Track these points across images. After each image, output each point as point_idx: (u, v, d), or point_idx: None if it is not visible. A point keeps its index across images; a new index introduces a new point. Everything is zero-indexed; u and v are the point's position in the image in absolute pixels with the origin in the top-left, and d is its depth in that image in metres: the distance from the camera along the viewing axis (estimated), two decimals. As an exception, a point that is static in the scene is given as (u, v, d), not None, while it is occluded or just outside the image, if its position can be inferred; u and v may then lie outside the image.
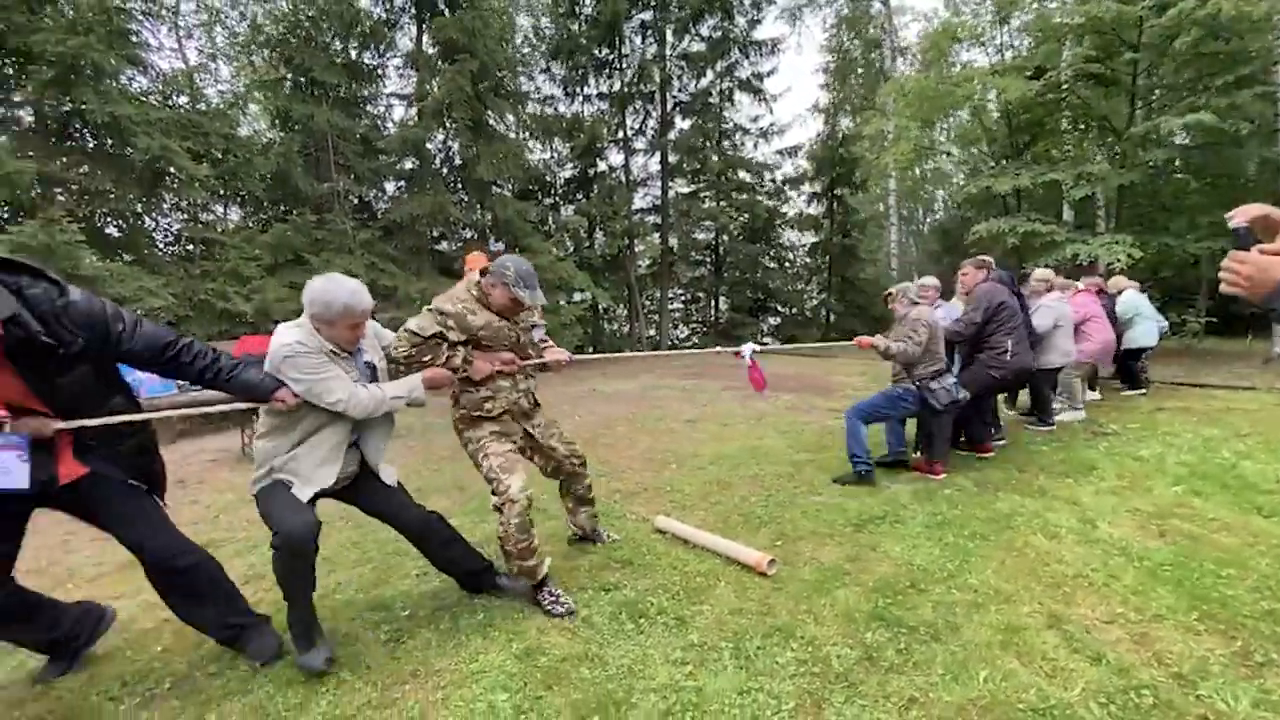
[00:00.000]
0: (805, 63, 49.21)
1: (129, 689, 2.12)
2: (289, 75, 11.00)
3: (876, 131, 14.65)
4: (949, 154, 16.59)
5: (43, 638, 2.19)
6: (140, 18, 9.19)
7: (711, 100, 17.58)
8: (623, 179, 17.54)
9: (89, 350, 1.87)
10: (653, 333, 18.39)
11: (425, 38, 12.80)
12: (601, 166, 17.65)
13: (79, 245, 6.49)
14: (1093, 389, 6.48)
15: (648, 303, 19.50)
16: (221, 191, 10.69)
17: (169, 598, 2.21)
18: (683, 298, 21.25)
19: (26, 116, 8.47)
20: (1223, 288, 1.11)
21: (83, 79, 7.60)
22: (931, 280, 5.12)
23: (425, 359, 2.44)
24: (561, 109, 17.27)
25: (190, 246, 10.05)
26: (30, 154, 7.61)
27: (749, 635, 2.26)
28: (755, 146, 18.69)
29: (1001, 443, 4.77)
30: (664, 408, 7.29)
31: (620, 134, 17.33)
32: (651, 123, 17.70)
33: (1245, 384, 7.21)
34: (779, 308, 20.66)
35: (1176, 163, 11.05)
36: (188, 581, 2.17)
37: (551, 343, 2.86)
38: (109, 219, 9.16)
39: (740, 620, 2.37)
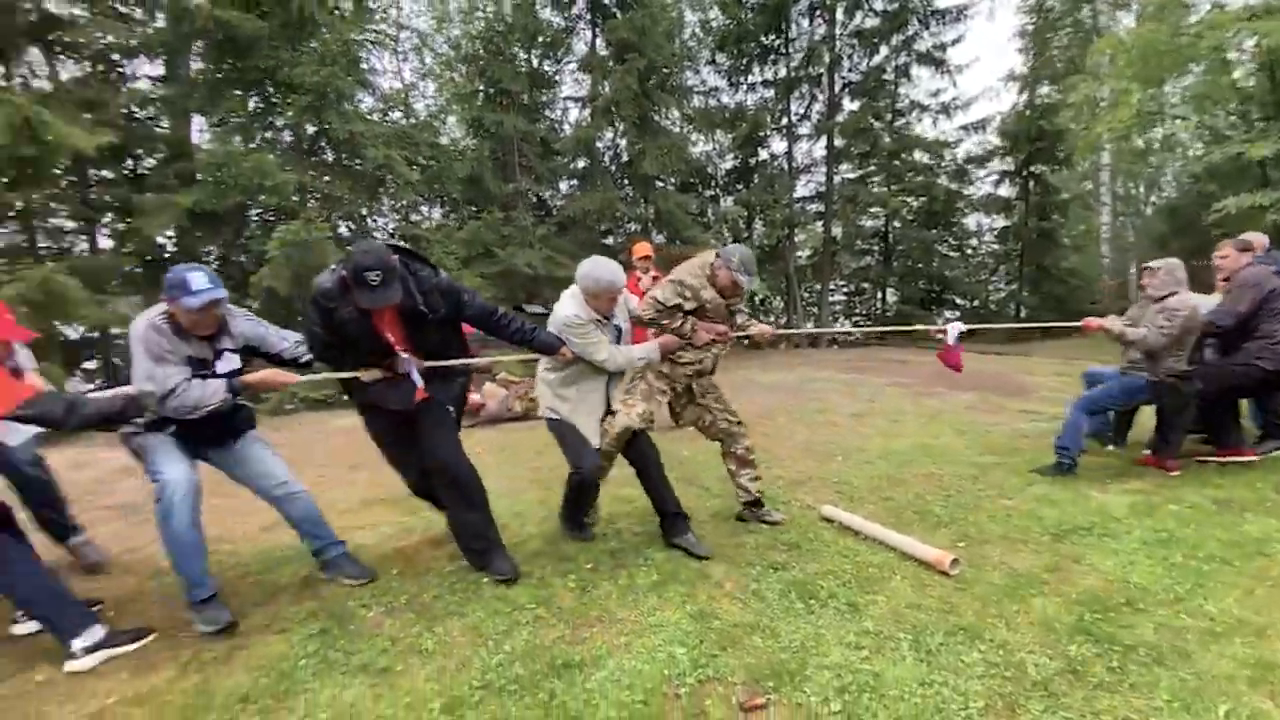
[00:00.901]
0: (997, 29, 44.07)
1: (375, 600, 2.58)
2: (482, 87, 12.24)
3: (1085, 98, 12.67)
4: (1182, 119, 13.93)
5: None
6: (370, 47, 10.79)
7: (885, 77, 16.46)
8: (784, 166, 17.10)
9: (448, 314, 2.64)
10: (811, 326, 17.77)
11: (599, 40, 13.49)
12: (763, 155, 17.35)
13: (326, 241, 7.86)
14: None
15: (806, 295, 18.86)
16: (427, 194, 12.21)
17: (447, 498, 2.80)
18: (845, 289, 20.19)
19: (286, 137, 10.34)
20: None
21: (329, 103, 9.11)
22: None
23: (664, 323, 2.99)
24: (725, 100, 17.25)
25: (403, 242, 11.63)
26: (289, 168, 9.26)
27: (929, 630, 2.17)
28: (934, 124, 17.18)
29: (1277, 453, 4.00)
30: (824, 400, 7.08)
31: (784, 120, 16.90)
32: (818, 107, 17.02)
33: None
34: (958, 300, 18.82)
35: None
36: (465, 490, 2.74)
37: (753, 320, 3.30)
38: (342, 219, 10.90)
39: (919, 615, 2.29)
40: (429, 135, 11.66)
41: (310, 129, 9.72)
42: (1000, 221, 18.66)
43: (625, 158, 13.64)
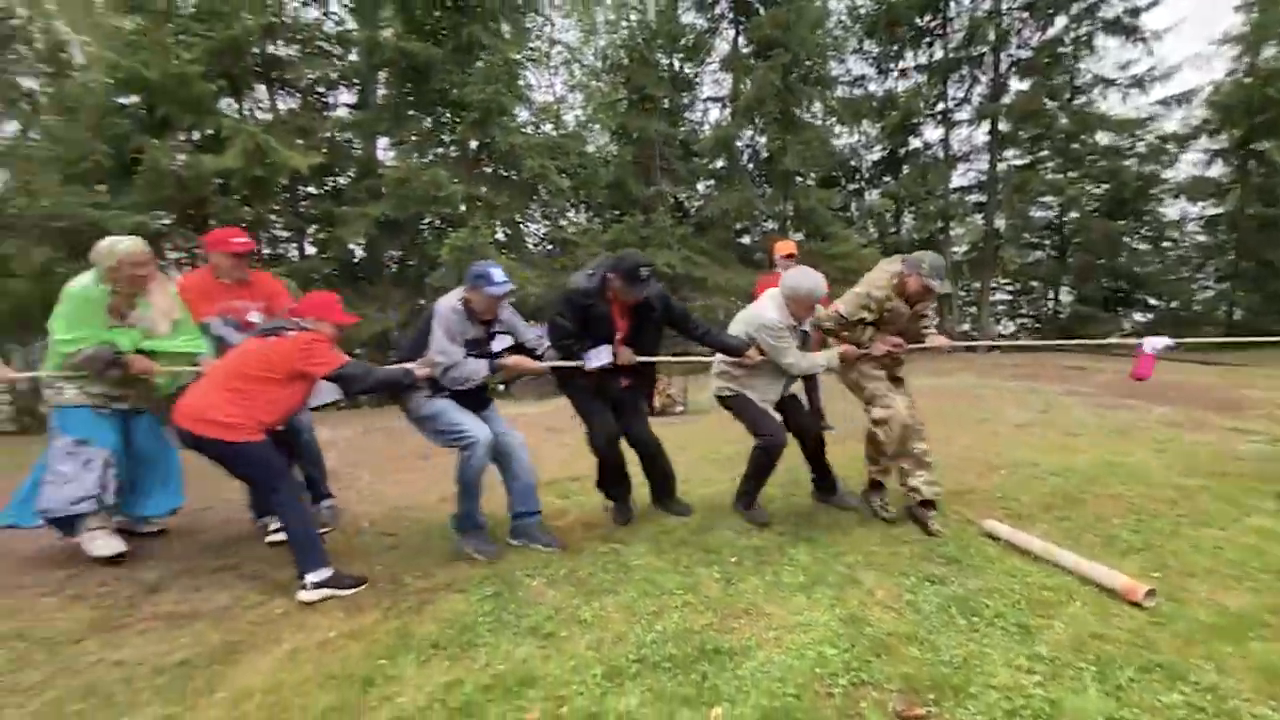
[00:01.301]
0: (1211, -20, 37.31)
1: (538, 572, 2.82)
2: (625, 94, 12.69)
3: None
4: None
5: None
6: (527, 65, 11.62)
7: (1063, 50, 14.66)
8: (939, 155, 15.87)
9: (661, 315, 3.24)
10: (967, 328, 16.33)
11: (740, 39, 13.41)
12: (914, 144, 16.21)
13: (488, 246, 8.62)
14: None
15: (964, 293, 17.34)
16: (574, 200, 12.91)
17: (643, 463, 3.43)
18: (1009, 287, 18.25)
19: (454, 152, 11.44)
20: None
21: (492, 119, 9.95)
22: None
23: (843, 334, 3.30)
24: (872, 88, 16.35)
25: (551, 246, 12.41)
26: (457, 180, 10.23)
27: (1118, 664, 1.97)
28: (1124, 99, 14.99)
29: None
30: (987, 408, 6.51)
31: (939, 106, 15.68)
32: (979, 89, 15.57)
33: None
34: (1150, 300, 16.30)
35: None
36: (661, 461, 3.43)
37: (933, 329, 3.42)
38: (501, 226, 11.86)
39: (1105, 646, 2.08)
40: (577, 144, 12.30)
41: (475, 143, 10.67)
42: (1209, 209, 15.88)
43: (765, 155, 13.44)
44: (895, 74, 16.20)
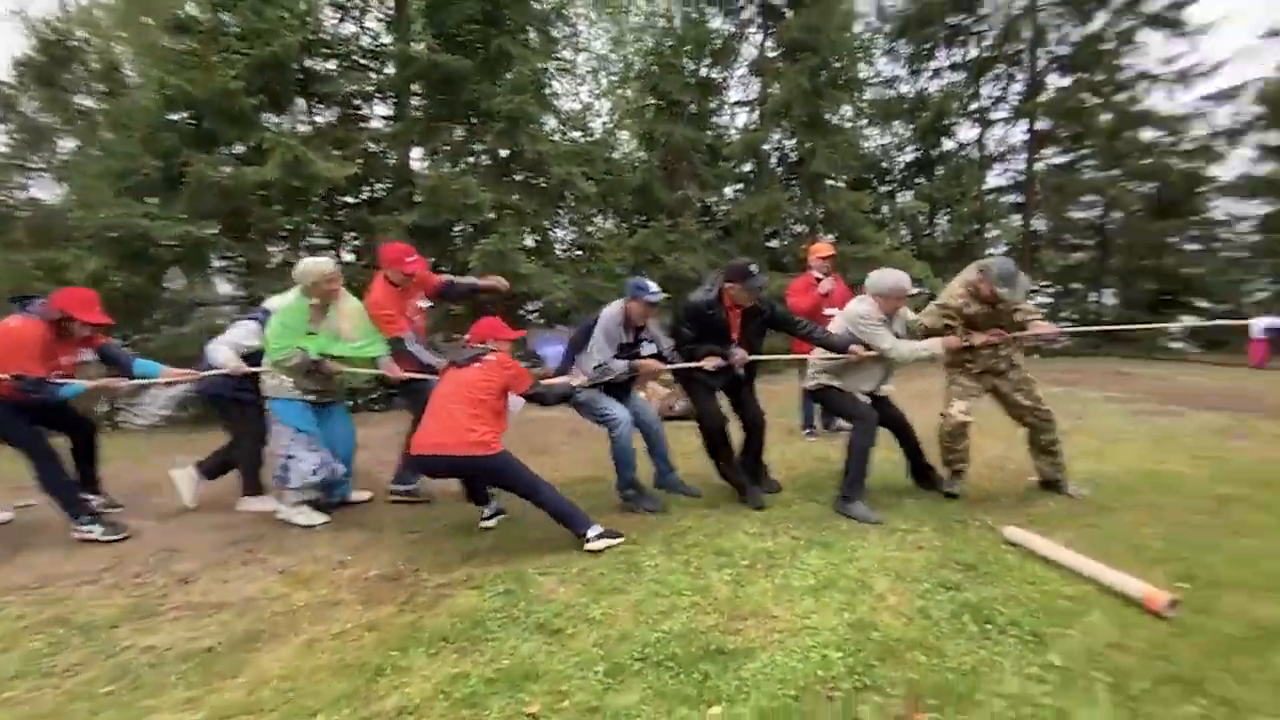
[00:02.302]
0: (1268, -32, 35.67)
1: (552, 570, 2.86)
2: (652, 100, 12.73)
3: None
4: None
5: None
6: (555, 73, 11.77)
7: (1105, 47, 14.20)
8: (974, 155, 15.51)
9: (766, 316, 3.72)
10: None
11: (768, 42, 13.36)
12: (948, 145, 15.87)
13: (518, 252, 8.76)
14: None
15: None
16: (601, 206, 13.00)
17: (750, 438, 3.86)
18: (1049, 290, 17.70)
19: (484, 160, 11.64)
20: None
21: (520, 127, 10.10)
22: None
23: (937, 333, 3.58)
24: (904, 89, 16.09)
25: (579, 251, 12.51)
26: (486, 188, 10.40)
27: (1133, 675, 1.92)
28: (1169, 95, 14.42)
29: None
30: (1018, 414, 6.33)
31: (973, 106, 15.35)
32: (1016, 87, 15.20)
33: None
34: (1198, 303, 15.58)
35: None
36: (760, 436, 3.87)
37: (1039, 318, 3.55)
38: (529, 232, 12.02)
39: (1121, 657, 2.02)
40: (604, 151, 12.40)
41: (503, 152, 10.85)
42: (1262, 207, 15.12)
43: (794, 158, 13.33)
44: (928, 74, 15.93)
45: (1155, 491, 3.73)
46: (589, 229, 13.10)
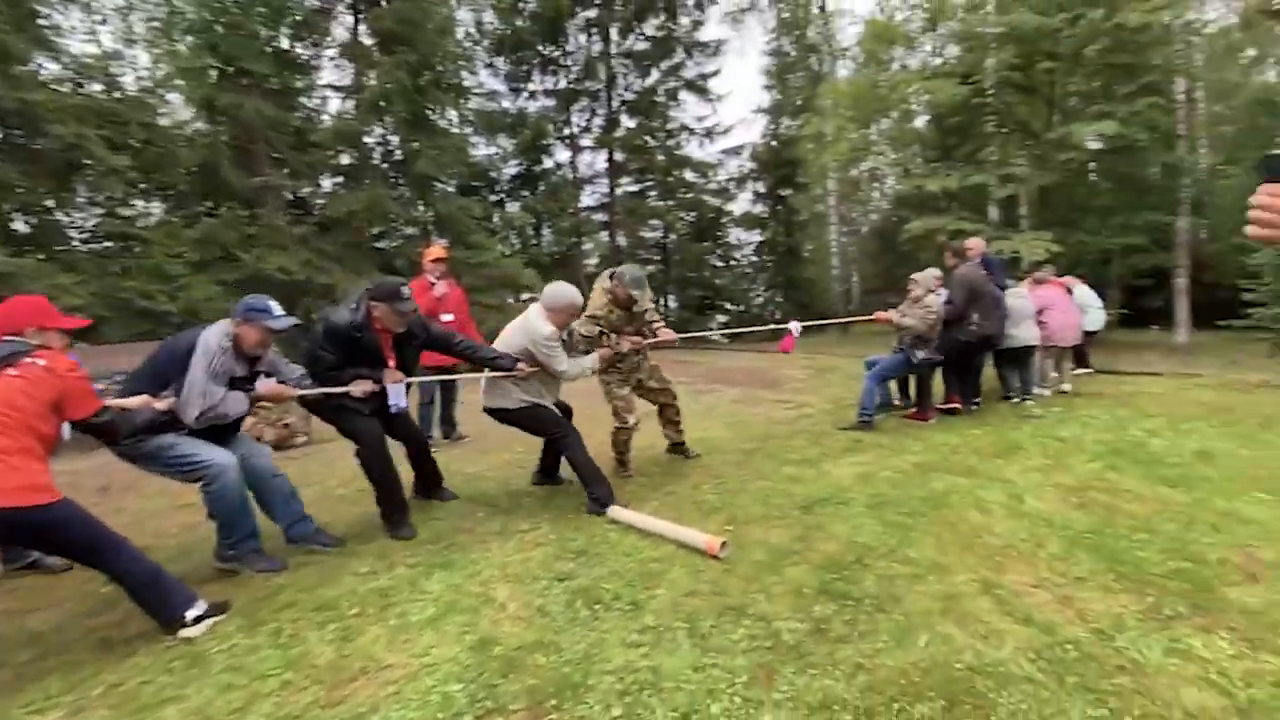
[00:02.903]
0: (749, 65, 49.97)
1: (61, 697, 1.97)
2: (213, 63, 10.38)
3: (815, 132, 15.02)
4: (883, 154, 17.19)
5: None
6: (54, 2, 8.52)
7: (658, 99, 17.70)
8: (569, 176, 17.43)
9: (418, 341, 3.49)
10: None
11: (362, 28, 12.38)
12: (547, 163, 17.52)
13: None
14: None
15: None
16: (142, 185, 10.01)
17: (420, 457, 3.80)
18: (632, 296, 21.29)
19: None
20: (1251, 230, 0.93)
21: (-16, 62, 7.00)
22: (936, 272, 5.49)
23: (596, 346, 3.83)
24: (506, 104, 17.04)
25: (108, 243, 9.38)
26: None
27: (703, 615, 2.30)
28: (701, 146, 18.97)
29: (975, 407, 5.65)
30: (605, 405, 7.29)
31: (566, 131, 17.24)
32: (598, 120, 17.69)
33: (1152, 371, 7.87)
34: (727, 305, 21.00)
35: (1090, 165, 11.83)
36: (429, 452, 3.87)
37: (663, 324, 4.21)
38: (17, 213, 8.45)
39: (694, 601, 2.41)
40: (142, 114, 9.58)
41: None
42: (757, 236, 21.25)
43: (399, 155, 12.69)
44: (526, 94, 17.20)
45: (708, 454, 4.70)
46: (123, 214, 9.97)
